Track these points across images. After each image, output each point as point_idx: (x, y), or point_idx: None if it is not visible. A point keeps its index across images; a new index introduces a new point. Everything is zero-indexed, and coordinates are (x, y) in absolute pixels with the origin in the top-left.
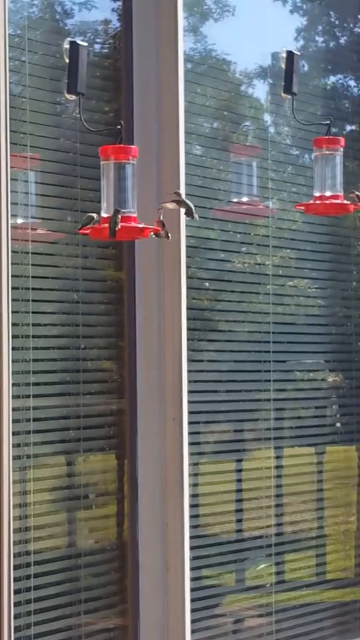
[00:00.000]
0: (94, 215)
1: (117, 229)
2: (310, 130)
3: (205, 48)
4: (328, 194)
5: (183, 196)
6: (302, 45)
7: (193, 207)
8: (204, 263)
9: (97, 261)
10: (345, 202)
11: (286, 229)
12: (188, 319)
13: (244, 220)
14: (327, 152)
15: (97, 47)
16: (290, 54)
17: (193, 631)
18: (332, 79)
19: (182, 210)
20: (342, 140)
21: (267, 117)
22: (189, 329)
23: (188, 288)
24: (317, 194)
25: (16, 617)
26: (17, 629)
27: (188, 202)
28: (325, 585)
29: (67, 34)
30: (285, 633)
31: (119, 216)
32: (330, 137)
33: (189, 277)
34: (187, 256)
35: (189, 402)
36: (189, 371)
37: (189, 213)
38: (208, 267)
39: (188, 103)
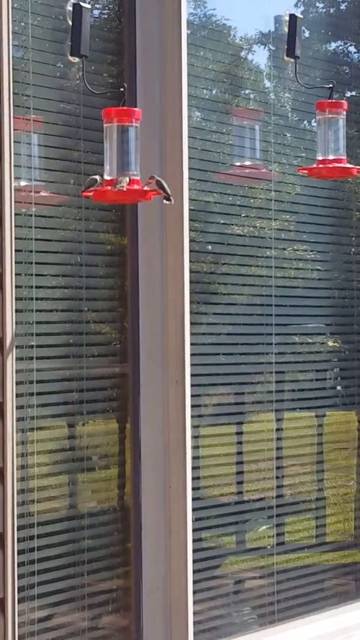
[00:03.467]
0: (97, 177)
1: (121, 190)
2: (312, 94)
3: (205, 14)
4: (331, 157)
5: (164, 183)
6: (303, 11)
7: (169, 191)
8: (205, 227)
9: (100, 224)
10: (348, 165)
11: (287, 194)
12: (189, 283)
13: (246, 184)
14: (330, 116)
15: (96, 12)
16: (292, 16)
17: (195, 592)
18: (333, 45)
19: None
20: (345, 104)
21: (268, 83)
22: (190, 293)
23: (190, 252)
24: (320, 158)
25: (20, 577)
26: (21, 588)
27: (165, 186)
28: (325, 548)
29: None
30: (286, 594)
31: (126, 179)
32: (333, 100)
33: (190, 241)
34: (190, 219)
35: (191, 365)
36: (192, 334)
37: (166, 198)
38: (209, 231)
39: (188, 69)
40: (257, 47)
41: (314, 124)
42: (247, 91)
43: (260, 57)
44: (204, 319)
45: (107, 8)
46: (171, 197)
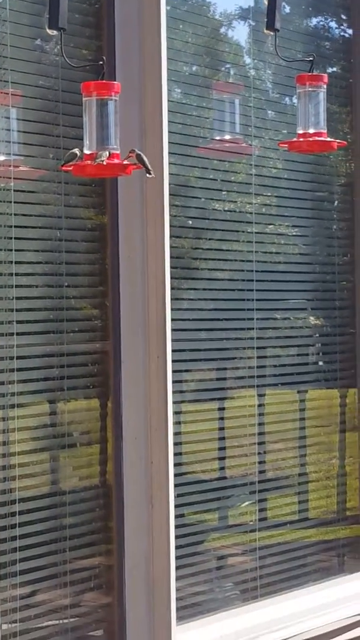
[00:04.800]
0: (77, 151)
1: (101, 163)
2: (293, 68)
3: None
4: (311, 131)
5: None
6: None
7: (149, 165)
8: (186, 203)
9: (80, 199)
10: (328, 139)
11: (268, 170)
12: (170, 259)
13: (227, 159)
14: (310, 89)
15: None
16: None
17: (177, 568)
18: (314, 20)
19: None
20: (325, 77)
21: (248, 59)
22: (171, 269)
23: (171, 228)
24: (300, 132)
25: (1, 553)
26: (2, 565)
27: (145, 159)
28: (307, 524)
29: None
30: (268, 570)
31: (106, 152)
32: (314, 74)
33: (171, 217)
34: (170, 195)
35: (172, 342)
36: (173, 310)
37: (147, 171)
38: (190, 206)
39: (168, 44)
40: (237, 23)
41: (295, 100)
42: (227, 66)
43: (240, 33)
44: (184, 295)
45: None
46: (151, 171)
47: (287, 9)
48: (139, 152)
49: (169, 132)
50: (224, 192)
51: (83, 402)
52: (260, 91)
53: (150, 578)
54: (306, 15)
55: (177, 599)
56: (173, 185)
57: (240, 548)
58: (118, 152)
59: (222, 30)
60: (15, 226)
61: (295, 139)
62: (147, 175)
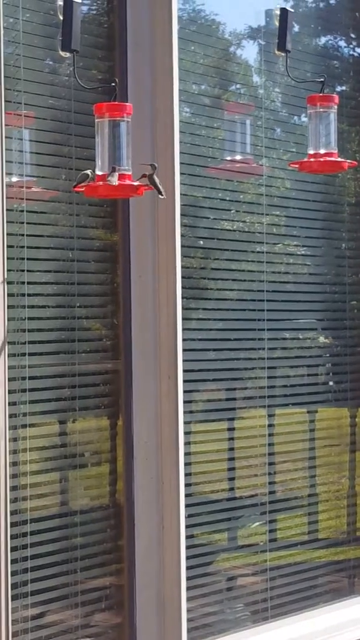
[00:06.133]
0: (89, 172)
1: (112, 184)
2: (302, 88)
3: (194, 9)
4: (322, 151)
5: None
6: (293, 5)
7: (160, 187)
8: (195, 223)
9: (92, 220)
10: (339, 159)
11: (277, 189)
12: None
13: (236, 179)
14: (321, 110)
15: (85, 8)
16: (283, 10)
17: (187, 589)
18: (323, 39)
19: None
20: (336, 98)
21: (257, 78)
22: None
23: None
24: (311, 152)
25: (13, 574)
26: (14, 585)
27: (156, 181)
28: (317, 545)
29: None
30: (279, 591)
31: (116, 173)
32: (324, 94)
33: (180, 237)
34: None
35: (183, 362)
36: (183, 329)
37: (158, 193)
38: (199, 226)
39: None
40: (246, 42)
41: (304, 118)
42: (236, 86)
43: (249, 52)
44: (194, 315)
45: (95, 3)
46: (163, 192)
47: (296, 28)
48: (151, 174)
49: (181, 152)
50: (233, 211)
51: (94, 422)
52: (269, 110)
53: (161, 598)
54: (315, 35)
55: (188, 620)
56: (182, 204)
57: (251, 568)
58: (130, 173)
59: (232, 49)
60: (27, 247)
61: (306, 159)
62: (159, 196)
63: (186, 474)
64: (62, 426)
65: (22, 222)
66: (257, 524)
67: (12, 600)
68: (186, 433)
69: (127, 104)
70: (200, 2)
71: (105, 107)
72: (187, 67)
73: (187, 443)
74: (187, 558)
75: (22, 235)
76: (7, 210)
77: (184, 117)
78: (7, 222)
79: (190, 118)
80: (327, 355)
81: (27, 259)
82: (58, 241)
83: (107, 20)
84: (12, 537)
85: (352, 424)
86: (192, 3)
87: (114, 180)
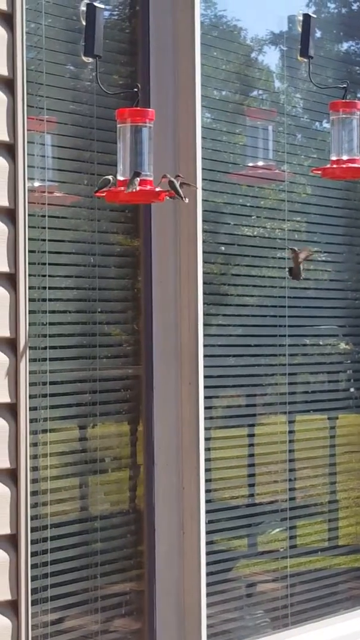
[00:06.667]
0: (110, 177)
1: (134, 190)
2: (323, 94)
3: (215, 14)
4: (345, 157)
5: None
6: (314, 11)
7: (181, 192)
8: (216, 229)
9: (113, 225)
10: None
11: (298, 195)
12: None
13: (256, 185)
14: (343, 116)
15: (106, 13)
16: (306, 16)
17: (207, 595)
18: (345, 45)
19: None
20: (359, 104)
21: (279, 84)
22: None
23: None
24: (333, 158)
25: (33, 579)
26: (34, 590)
27: (177, 186)
28: (337, 551)
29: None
30: (299, 597)
31: (138, 178)
32: (347, 100)
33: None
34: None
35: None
36: (204, 335)
37: (180, 198)
38: (220, 232)
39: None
40: (267, 48)
41: (325, 124)
42: (258, 92)
43: (271, 57)
44: (214, 321)
45: (117, 8)
46: (185, 198)
47: (318, 34)
48: (172, 179)
49: (203, 158)
50: (253, 217)
51: (115, 428)
52: (291, 116)
53: (181, 604)
54: (337, 40)
55: (208, 626)
56: (203, 210)
57: (271, 575)
58: (151, 178)
59: (253, 55)
60: (48, 252)
61: (328, 166)
62: (182, 200)
63: (206, 480)
64: (83, 431)
65: (44, 227)
66: (278, 530)
67: (32, 605)
68: (206, 439)
69: (149, 109)
70: (222, 8)
71: (128, 112)
72: (208, 73)
73: (207, 449)
74: (207, 564)
75: (44, 240)
76: (29, 215)
77: (205, 123)
78: (29, 227)
79: (212, 123)
80: (348, 361)
81: (49, 264)
82: (79, 246)
83: (129, 25)
84: (32, 542)
85: None
86: (213, 8)
87: (135, 186)
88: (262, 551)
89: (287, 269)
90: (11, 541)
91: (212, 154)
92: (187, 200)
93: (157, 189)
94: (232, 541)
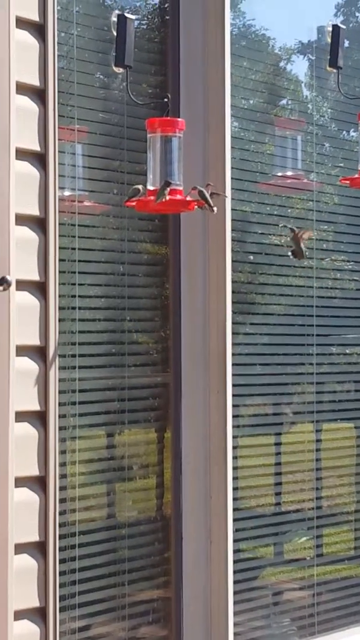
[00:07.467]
0: (140, 187)
1: (163, 200)
2: (351, 104)
3: (244, 24)
4: None
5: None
6: (342, 21)
7: (211, 201)
8: (243, 237)
9: (143, 234)
10: None
11: (325, 204)
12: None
13: (287, 195)
14: None
15: (136, 23)
16: (336, 27)
17: (234, 602)
18: None
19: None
20: None
21: (307, 93)
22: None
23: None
24: None
25: (60, 586)
26: (62, 597)
27: (207, 196)
28: None
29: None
30: (325, 606)
31: (168, 188)
32: None
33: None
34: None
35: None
36: (232, 344)
37: (209, 208)
38: (247, 241)
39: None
40: (295, 57)
41: (352, 133)
42: (286, 101)
43: (299, 67)
44: (241, 329)
45: (146, 18)
46: (214, 208)
47: (347, 44)
48: (201, 189)
49: (232, 167)
50: (281, 226)
51: (142, 435)
52: (318, 126)
53: (208, 612)
54: None
55: (235, 634)
56: (231, 219)
57: (298, 583)
58: (181, 188)
59: (281, 64)
60: (78, 260)
61: (357, 175)
62: (211, 210)
63: (233, 488)
64: (111, 439)
65: (74, 236)
66: (304, 538)
67: (59, 612)
68: (233, 447)
69: (179, 119)
70: (251, 17)
71: (158, 122)
72: (236, 82)
73: (234, 457)
74: (234, 572)
75: (74, 249)
76: (59, 224)
77: (233, 132)
78: (59, 236)
79: (239, 132)
80: None
81: (78, 272)
82: (108, 255)
83: (159, 34)
84: (60, 549)
85: None
86: (242, 18)
87: (165, 196)
88: (289, 559)
89: (289, 252)
90: (39, 548)
91: (240, 163)
92: (216, 211)
93: (187, 199)
94: (259, 549)
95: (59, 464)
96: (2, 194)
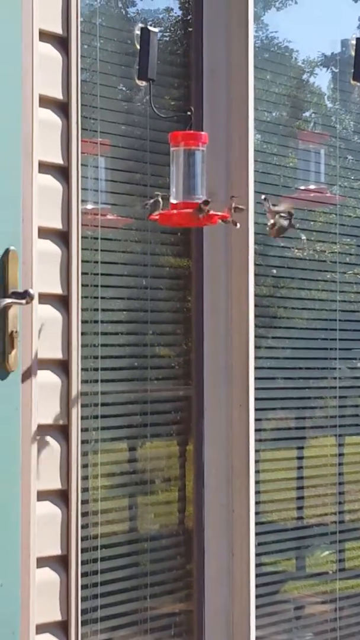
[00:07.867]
0: (160, 198)
1: (203, 216)
2: None
3: (267, 36)
4: None
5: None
6: None
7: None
8: (265, 251)
9: (165, 247)
10: None
11: (348, 217)
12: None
13: (309, 208)
14: None
15: (159, 35)
16: (359, 40)
17: (256, 616)
18: None
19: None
20: None
21: (330, 106)
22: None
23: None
24: None
25: (83, 599)
26: (84, 611)
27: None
28: None
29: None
30: (347, 620)
31: (208, 207)
32: None
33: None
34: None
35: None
36: (256, 357)
37: (233, 222)
38: (269, 254)
39: None
40: (318, 70)
41: None
42: (309, 114)
43: (322, 79)
44: (263, 343)
45: (169, 30)
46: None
47: None
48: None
49: (255, 181)
50: (304, 239)
51: (165, 448)
52: (341, 138)
53: (230, 626)
54: None
55: None
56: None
57: (320, 597)
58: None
59: (304, 77)
60: (101, 274)
61: None
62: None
63: (255, 502)
64: (133, 452)
65: (96, 249)
66: (327, 552)
67: (82, 625)
68: (255, 460)
69: (202, 132)
70: (274, 29)
71: (181, 136)
72: (259, 94)
73: (256, 470)
74: (256, 586)
75: (96, 262)
76: (82, 237)
77: (256, 145)
78: (82, 249)
79: (262, 145)
80: None
81: (101, 286)
82: (131, 268)
83: (181, 47)
84: (83, 563)
85: None
86: (265, 30)
87: (205, 213)
88: (312, 573)
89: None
90: (62, 562)
91: (263, 177)
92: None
93: (211, 212)
94: (281, 563)
95: (81, 478)
96: (25, 207)
